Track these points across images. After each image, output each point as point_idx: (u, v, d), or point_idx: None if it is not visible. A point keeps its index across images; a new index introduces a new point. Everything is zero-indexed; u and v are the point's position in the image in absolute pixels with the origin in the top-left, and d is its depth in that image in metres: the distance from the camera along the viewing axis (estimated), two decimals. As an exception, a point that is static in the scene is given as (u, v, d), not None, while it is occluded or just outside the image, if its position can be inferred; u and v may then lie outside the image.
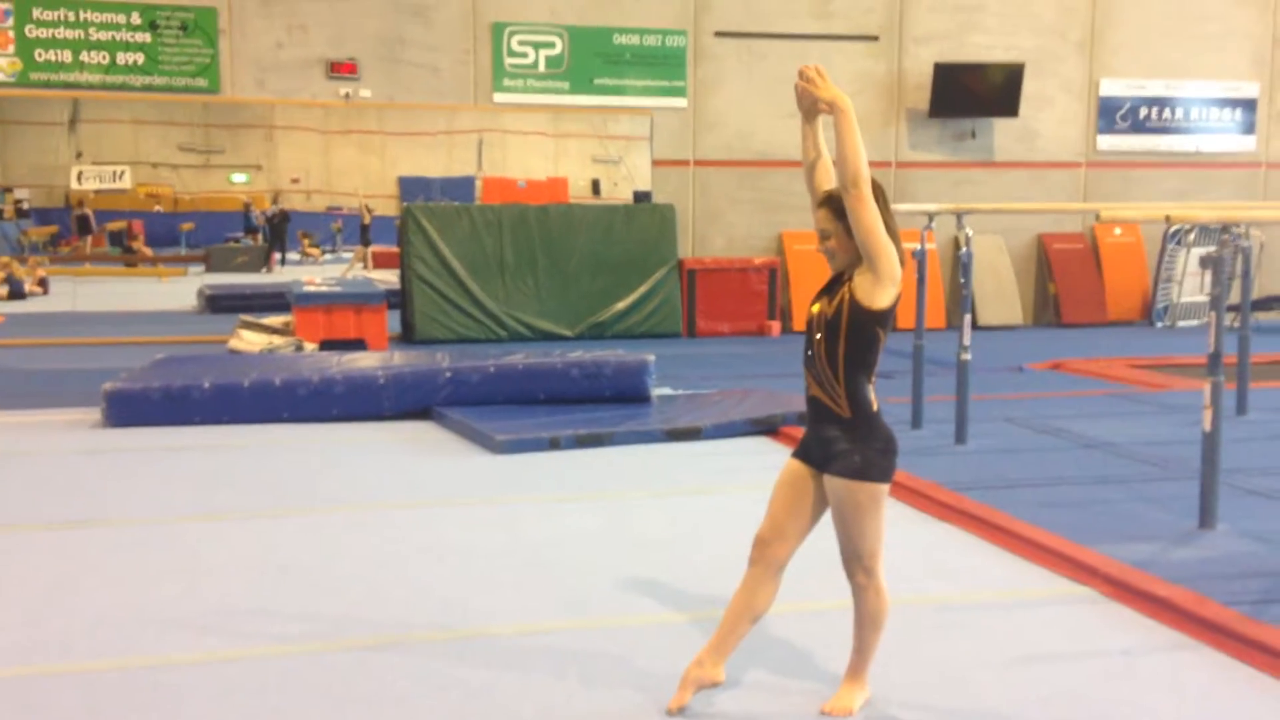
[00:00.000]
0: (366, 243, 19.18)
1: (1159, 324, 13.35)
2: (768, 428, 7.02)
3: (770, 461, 6.28)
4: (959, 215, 6.80)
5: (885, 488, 3.11)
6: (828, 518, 3.20)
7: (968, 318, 6.60)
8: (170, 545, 4.79)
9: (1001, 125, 13.15)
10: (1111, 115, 13.51)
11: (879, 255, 3.00)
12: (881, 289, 3.03)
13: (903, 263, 3.06)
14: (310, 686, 3.34)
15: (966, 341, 6.56)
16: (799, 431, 6.82)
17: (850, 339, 3.06)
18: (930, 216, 7.06)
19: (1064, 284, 13.38)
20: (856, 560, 3.15)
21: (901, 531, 5.02)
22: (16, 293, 15.19)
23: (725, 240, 12.70)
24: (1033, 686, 3.39)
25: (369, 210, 19.34)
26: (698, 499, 5.60)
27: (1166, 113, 13.68)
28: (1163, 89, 13.64)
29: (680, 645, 3.61)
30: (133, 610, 3.98)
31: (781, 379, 9.04)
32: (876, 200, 3.01)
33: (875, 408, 3.11)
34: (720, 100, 12.53)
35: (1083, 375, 9.48)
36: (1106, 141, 13.54)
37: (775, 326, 12.45)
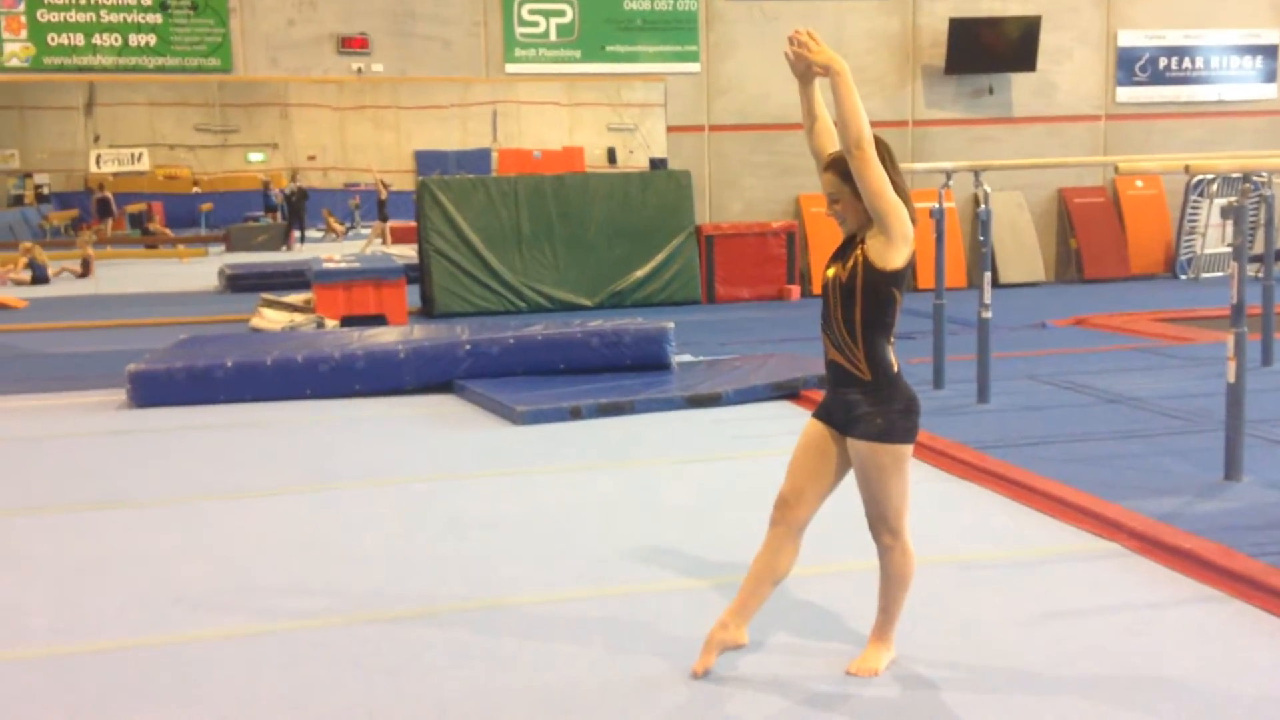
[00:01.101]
0: (384, 218, 19.20)
1: (1182, 277, 13.23)
2: (789, 392, 7.01)
3: (792, 425, 6.27)
4: (977, 173, 6.73)
5: (908, 448, 3.10)
6: (849, 479, 3.20)
7: (988, 275, 6.55)
8: (196, 523, 4.83)
9: (1019, 80, 13.00)
10: (1130, 66, 13.33)
11: (889, 215, 2.97)
12: (894, 249, 3.00)
13: (914, 221, 3.03)
14: (337, 659, 3.38)
15: (987, 299, 6.51)
16: (820, 395, 6.82)
17: (866, 301, 3.04)
18: (948, 175, 7.00)
19: (1085, 239, 13.26)
20: (882, 521, 3.15)
21: (925, 491, 5.01)
22: (40, 277, 15.31)
23: (742, 205, 12.64)
24: (1060, 642, 3.39)
25: (385, 186, 19.34)
26: (720, 465, 5.60)
27: (1186, 62, 13.48)
28: (1182, 38, 13.44)
29: (704, 611, 3.62)
30: (161, 588, 4.03)
31: (802, 343, 9.02)
32: (882, 160, 2.98)
33: (896, 369, 3.10)
34: (733, 64, 12.43)
35: (1106, 330, 9.41)
36: (1126, 93, 13.37)
37: (795, 290, 12.40)
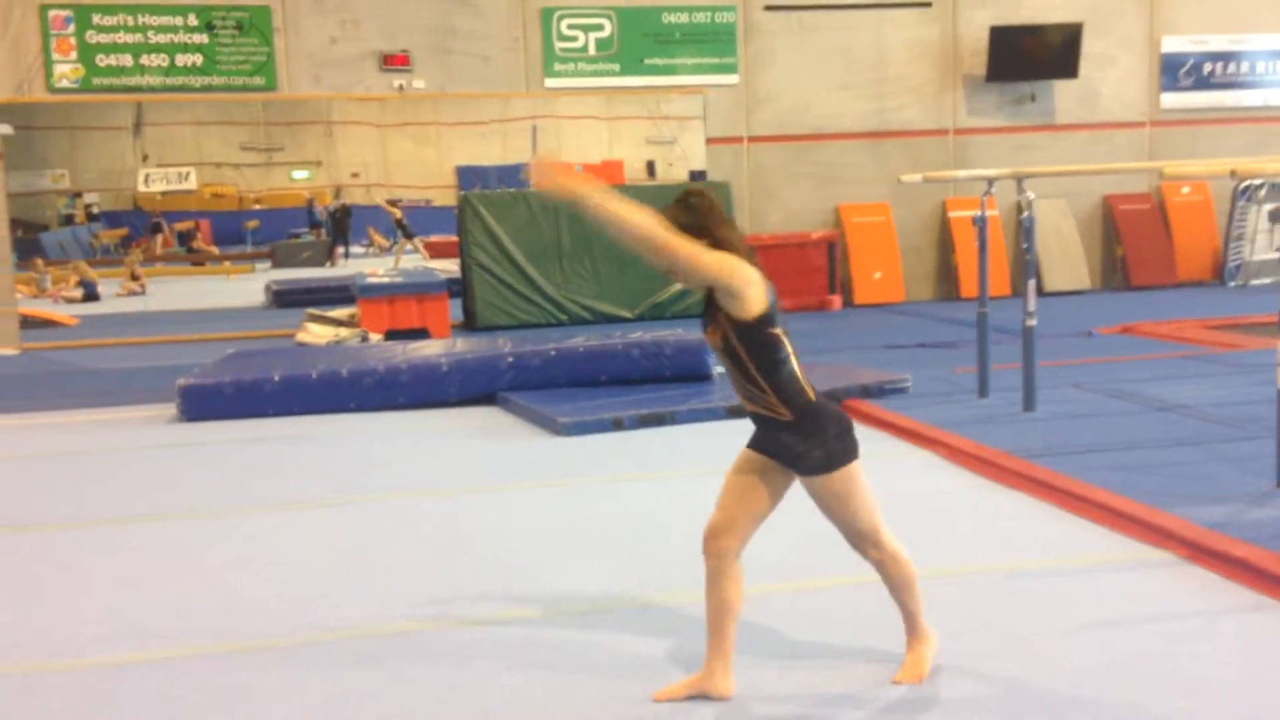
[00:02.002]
0: (409, 235, 19.48)
1: (1231, 283, 13.04)
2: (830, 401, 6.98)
3: (834, 435, 6.26)
4: (1020, 180, 6.69)
5: (856, 464, 3.08)
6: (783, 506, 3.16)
7: (1032, 283, 6.50)
8: (245, 535, 4.90)
9: (1061, 87, 12.90)
10: (1175, 72, 13.19)
11: (720, 278, 2.94)
12: (744, 301, 2.95)
13: (753, 261, 2.98)
14: (386, 666, 3.40)
15: (1031, 307, 6.46)
16: (863, 405, 6.80)
17: (751, 353, 3.01)
18: (990, 182, 6.96)
19: (1131, 246, 13.11)
20: (861, 539, 3.14)
21: (971, 501, 4.98)
22: (90, 295, 15.58)
23: (782, 216, 12.63)
24: (1109, 652, 3.35)
25: (396, 207, 19.57)
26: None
27: (1231, 67, 13.32)
28: (1226, 44, 13.28)
29: (748, 620, 3.61)
30: (210, 599, 4.08)
31: (843, 353, 8.99)
32: (703, 216, 2.96)
33: (812, 397, 3.06)
34: (772, 75, 12.43)
35: (1153, 338, 9.29)
36: (1170, 99, 13.22)
37: (836, 300, 12.36)
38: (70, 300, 15.54)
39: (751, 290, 2.95)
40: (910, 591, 3.19)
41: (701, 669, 3.12)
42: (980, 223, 6.85)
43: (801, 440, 3.02)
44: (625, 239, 2.94)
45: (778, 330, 3.01)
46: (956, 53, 12.72)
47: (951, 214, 12.74)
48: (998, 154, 12.53)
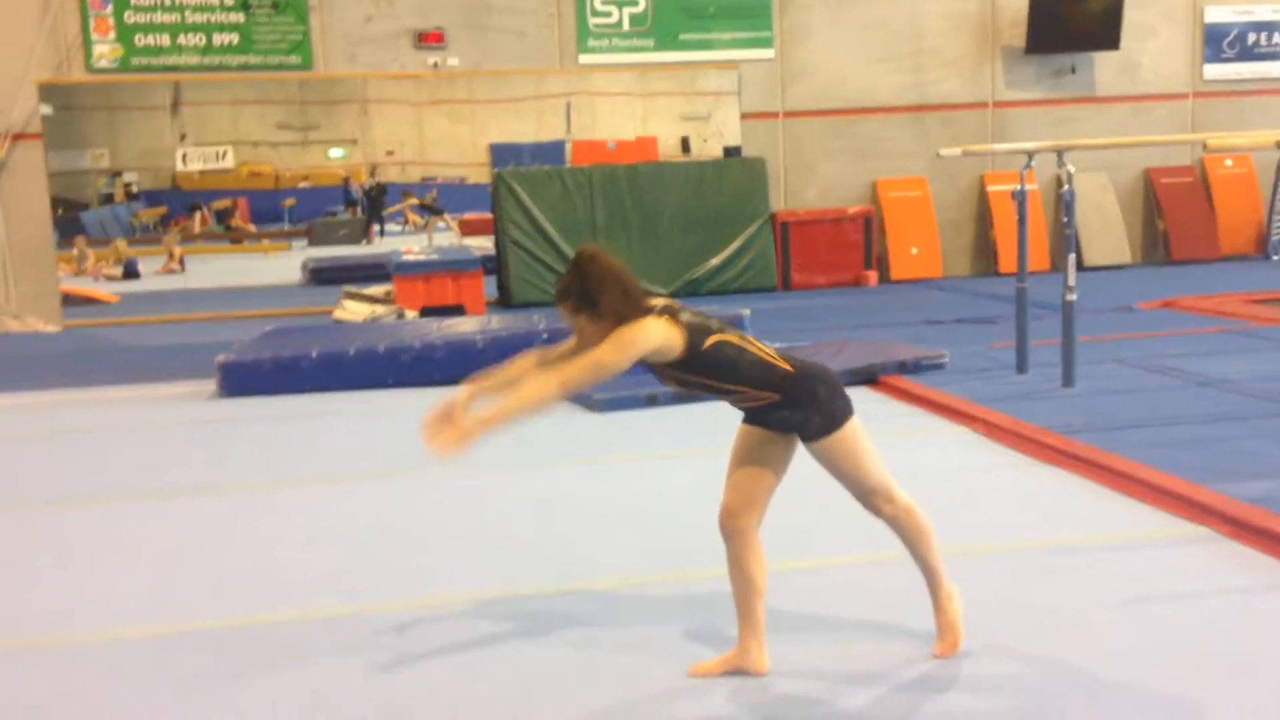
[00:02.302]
0: (436, 212, 19.65)
1: (1274, 257, 12.83)
2: (867, 377, 6.95)
3: (869, 410, 6.21)
4: (1060, 153, 6.60)
5: (853, 421, 3.06)
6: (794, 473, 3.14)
7: (1072, 257, 6.42)
8: (284, 509, 4.95)
9: (1102, 59, 12.70)
10: (1218, 43, 12.95)
11: (631, 358, 2.88)
12: (664, 353, 2.92)
13: (643, 306, 2.92)
14: (423, 639, 3.44)
15: (1071, 282, 6.38)
16: (899, 381, 6.76)
17: (707, 374, 2.97)
18: (1030, 155, 6.87)
19: (1173, 219, 12.93)
20: (872, 494, 3.13)
21: (1010, 477, 4.95)
22: (131, 273, 15.76)
23: (818, 191, 12.54)
24: (1151, 628, 3.32)
25: (406, 194, 19.73)
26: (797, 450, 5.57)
27: (1277, 37, 13.06)
28: (1271, 13, 13.03)
29: (781, 595, 3.62)
30: (251, 572, 4.13)
31: (879, 329, 8.94)
32: (583, 289, 2.91)
33: (791, 369, 3.01)
34: (808, 49, 12.33)
35: (1195, 312, 9.17)
36: (1213, 71, 12.99)
37: (872, 276, 12.28)
38: (111, 278, 15.71)
39: (661, 342, 2.89)
40: (929, 544, 3.17)
41: (735, 646, 3.12)
42: (1020, 197, 6.77)
43: (797, 411, 3.01)
44: (541, 415, 2.89)
45: (717, 338, 2.95)
46: (995, 24, 12.55)
47: (990, 188, 12.61)
48: (1037, 127, 12.38)
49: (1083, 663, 3.11)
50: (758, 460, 3.09)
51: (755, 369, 3.00)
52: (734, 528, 3.10)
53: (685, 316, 2.98)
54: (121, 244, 16.56)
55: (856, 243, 12.27)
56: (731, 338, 3.00)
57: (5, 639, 3.59)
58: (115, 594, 3.96)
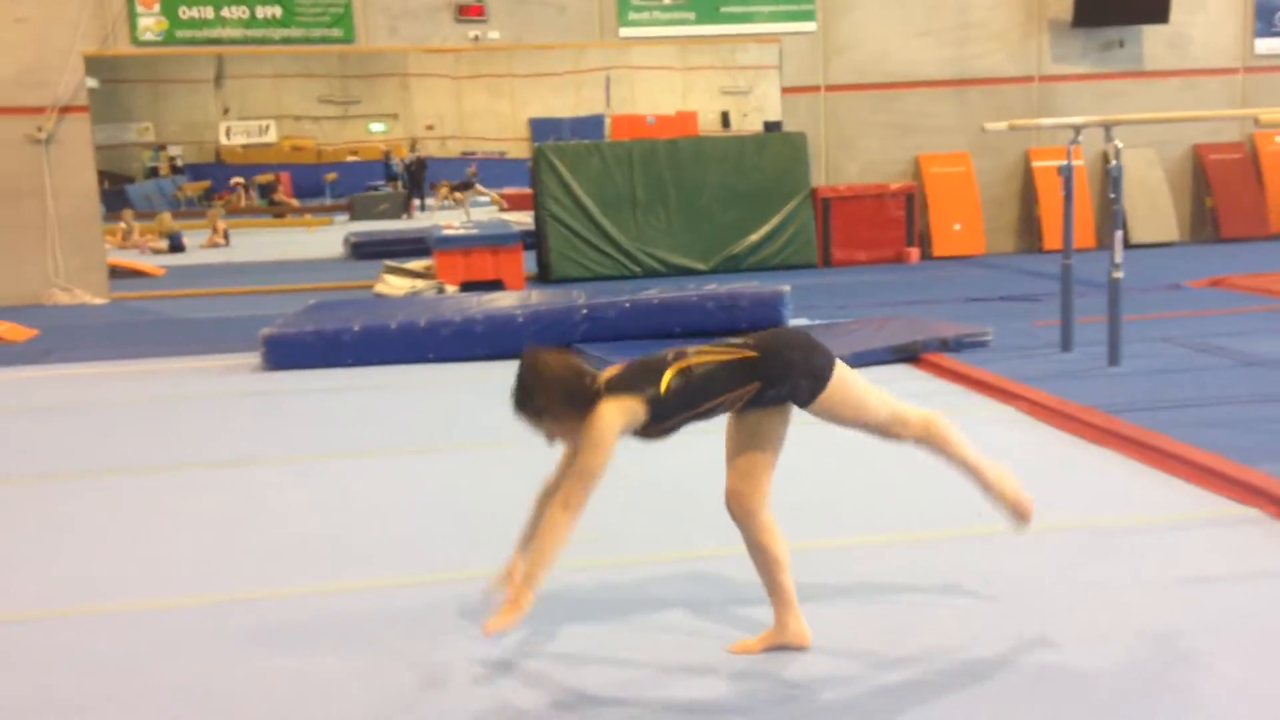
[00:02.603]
0: (467, 185, 19.75)
1: (1327, 235, 12.61)
2: (909, 355, 6.91)
3: (912, 389, 6.19)
4: (1107, 128, 6.50)
5: (839, 369, 3.04)
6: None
7: (1119, 234, 6.34)
8: (329, 481, 5.00)
9: (1151, 32, 12.48)
10: (1269, 16, 12.68)
11: (609, 447, 2.88)
12: (635, 422, 2.93)
13: (594, 387, 2.95)
14: (472, 611, 3.47)
15: (1118, 259, 6.30)
16: (941, 359, 6.71)
17: (687, 408, 2.98)
18: (1076, 130, 6.78)
19: (1222, 196, 12.71)
20: (887, 429, 3.13)
21: (1055, 456, 4.91)
22: (176, 246, 15.92)
23: (859, 166, 12.45)
24: (1198, 609, 3.29)
25: (443, 186, 19.86)
26: (835, 428, 5.54)
27: (1334, 9, 12.77)
28: (1329, -16, 12.74)
29: (825, 570, 3.62)
30: (296, 542, 4.18)
31: (922, 305, 8.87)
32: (536, 406, 2.93)
33: (756, 353, 2.98)
34: (851, 22, 12.21)
35: (1244, 291, 9.03)
36: (1265, 45, 12.73)
37: (914, 253, 12.19)
38: (156, 251, 15.87)
39: (626, 420, 2.90)
40: (959, 446, 3.15)
41: (774, 625, 3.12)
42: (1066, 172, 6.68)
43: (783, 386, 2.99)
44: (569, 540, 2.90)
45: (672, 372, 2.94)
46: (1042, -3, 12.37)
47: (1035, 163, 12.45)
48: (1084, 101, 12.20)
49: (1128, 644, 3.09)
50: (753, 438, 3.07)
51: (724, 373, 2.97)
52: (740, 510, 3.08)
53: (629, 373, 2.97)
54: (166, 217, 16.72)
55: (898, 219, 12.17)
56: (689, 360, 2.98)
57: (63, 605, 3.66)
58: (164, 561, 4.03)
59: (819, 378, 3.00)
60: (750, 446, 3.07)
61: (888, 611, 3.35)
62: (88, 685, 3.07)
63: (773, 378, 2.98)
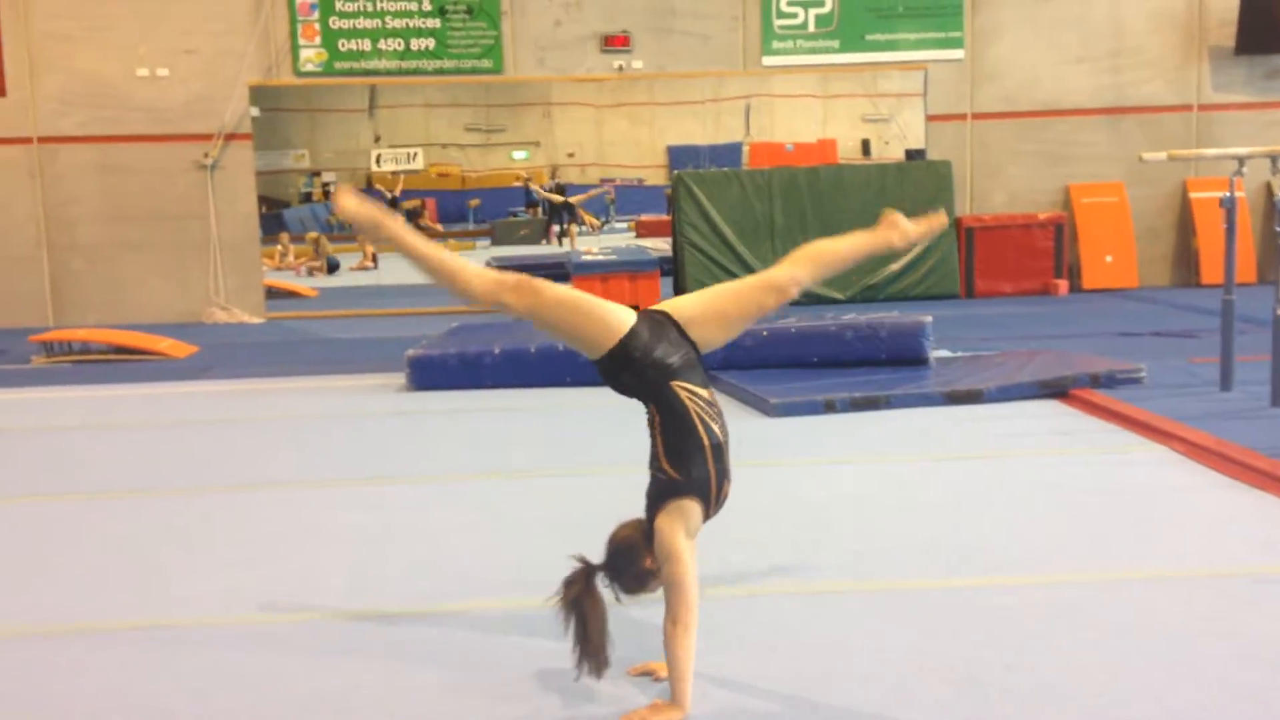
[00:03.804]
0: (572, 218, 20.21)
1: None
2: (1056, 390, 6.70)
3: (1059, 425, 6.00)
4: (1274, 159, 6.22)
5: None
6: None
7: (1285, 269, 6.04)
8: (471, 501, 5.10)
9: (1320, 58, 11.91)
10: None
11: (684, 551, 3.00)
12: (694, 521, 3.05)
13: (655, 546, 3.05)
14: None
15: (1284, 295, 6.01)
16: (1092, 395, 6.49)
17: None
18: (1240, 161, 6.50)
19: (1399, 231, 11.99)
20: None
21: (1213, 500, 4.69)
22: (333, 268, 16.58)
23: (1006, 196, 12.17)
24: (1369, 669, 3.10)
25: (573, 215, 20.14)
26: (979, 464, 5.42)
27: None
28: None
29: (957, 610, 3.53)
30: (442, 561, 4.27)
31: (1070, 339, 8.61)
32: (633, 572, 3.04)
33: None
34: (1001, 49, 11.97)
35: None
36: None
37: (1062, 285, 11.83)
38: (314, 271, 16.52)
39: (688, 525, 3.00)
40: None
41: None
42: (1229, 204, 6.41)
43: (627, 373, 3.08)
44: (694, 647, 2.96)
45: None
46: (1202, 23, 11.92)
47: (1193, 194, 11.97)
48: (1245, 131, 11.69)
49: (1294, 702, 2.92)
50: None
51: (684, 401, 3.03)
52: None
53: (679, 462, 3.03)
54: (324, 241, 17.37)
55: (1046, 249, 11.85)
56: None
57: (217, 618, 3.81)
58: (313, 574, 4.16)
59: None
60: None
61: (1029, 655, 3.24)
62: (235, 693, 3.19)
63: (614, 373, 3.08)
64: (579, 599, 2.97)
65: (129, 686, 3.23)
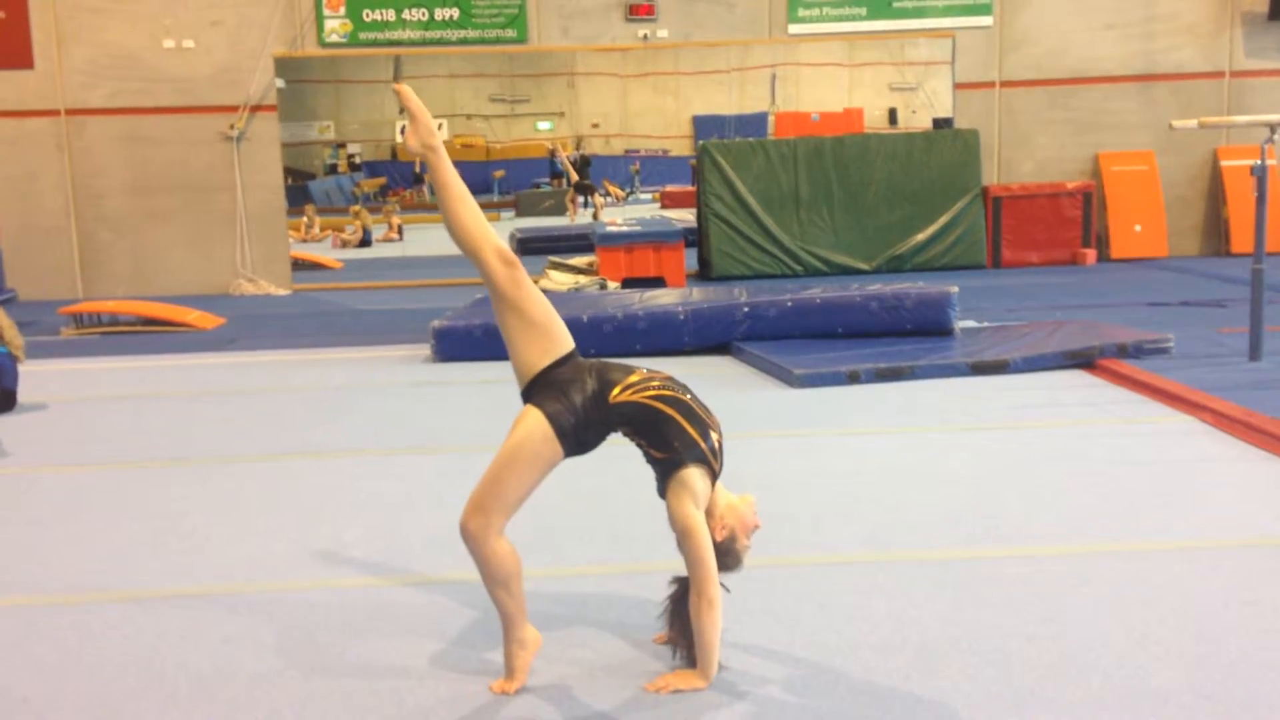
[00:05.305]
0: (588, 188, 20.14)
1: None
2: (1083, 361, 6.66)
3: (1085, 396, 5.97)
4: (1308, 125, 6.13)
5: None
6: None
7: (1318, 238, 5.96)
8: (494, 470, 5.12)
9: (1358, 23, 11.69)
10: None
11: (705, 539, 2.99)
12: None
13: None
14: (629, 601, 3.51)
15: (1316, 265, 5.93)
16: (1119, 365, 6.45)
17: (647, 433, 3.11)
18: (1272, 129, 6.40)
19: None
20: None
21: (1241, 471, 4.66)
22: (366, 240, 16.68)
23: (1034, 164, 12.05)
24: (1396, 641, 3.08)
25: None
26: (1005, 434, 5.40)
27: None
28: None
29: (981, 580, 3.52)
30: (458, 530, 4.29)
31: (1099, 310, 8.54)
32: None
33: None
34: (1029, 15, 11.82)
35: None
36: None
37: (1090, 255, 11.73)
38: (347, 243, 16.62)
39: (701, 493, 3.03)
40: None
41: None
42: (1260, 172, 6.33)
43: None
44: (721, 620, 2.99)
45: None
46: (1237, -13, 11.73)
47: (1224, 163, 11.82)
48: (1278, 98, 11.51)
49: (1320, 673, 2.91)
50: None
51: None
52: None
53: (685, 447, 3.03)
54: (365, 214, 17.43)
55: (1074, 219, 11.74)
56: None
57: (248, 585, 3.86)
58: (338, 543, 4.20)
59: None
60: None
61: (1053, 625, 3.23)
62: (262, 659, 3.23)
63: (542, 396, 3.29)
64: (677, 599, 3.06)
65: (159, 651, 3.28)
